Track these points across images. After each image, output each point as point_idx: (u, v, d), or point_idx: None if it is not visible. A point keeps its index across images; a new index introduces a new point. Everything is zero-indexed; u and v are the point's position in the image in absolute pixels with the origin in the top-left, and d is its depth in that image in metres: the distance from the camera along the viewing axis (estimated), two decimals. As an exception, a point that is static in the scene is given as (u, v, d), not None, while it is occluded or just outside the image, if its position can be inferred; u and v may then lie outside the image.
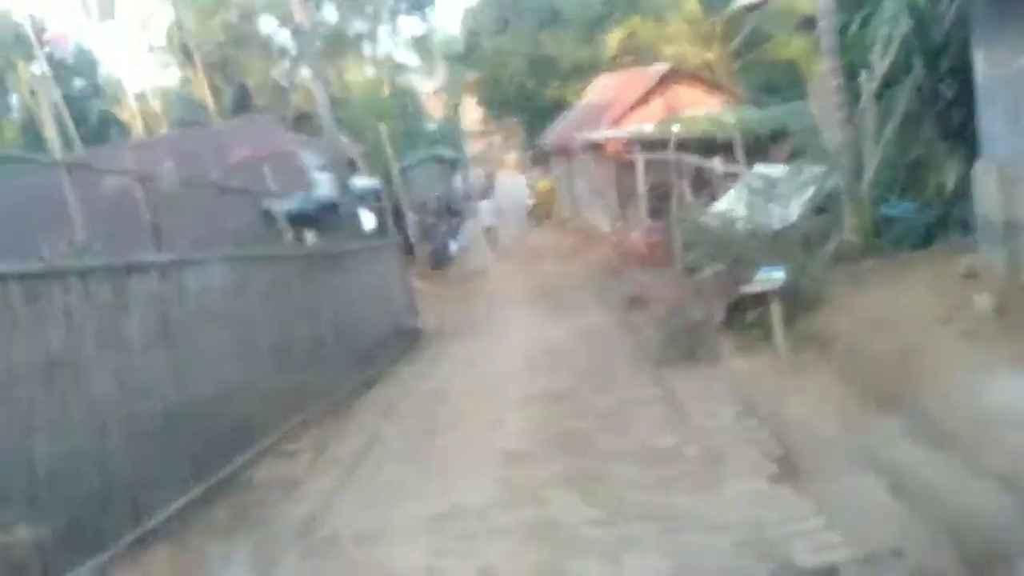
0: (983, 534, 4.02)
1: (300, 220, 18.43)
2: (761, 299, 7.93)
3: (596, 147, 22.68)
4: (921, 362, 6.16)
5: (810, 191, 10.28)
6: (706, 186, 19.65)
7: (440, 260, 24.43)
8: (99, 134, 28.10)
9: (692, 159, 16.54)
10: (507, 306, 16.33)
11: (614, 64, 28.13)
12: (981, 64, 7.01)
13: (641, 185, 18.82)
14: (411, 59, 41.77)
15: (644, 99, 22.28)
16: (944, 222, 10.33)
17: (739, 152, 11.18)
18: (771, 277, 7.88)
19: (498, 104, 30.96)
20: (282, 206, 15.80)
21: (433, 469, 6.27)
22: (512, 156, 61.41)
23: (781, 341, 7.47)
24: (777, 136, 19.24)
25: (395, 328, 13.00)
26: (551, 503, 5.10)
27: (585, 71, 28.80)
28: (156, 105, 28.13)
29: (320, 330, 9.28)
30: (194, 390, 6.37)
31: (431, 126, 51.91)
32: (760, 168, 11.40)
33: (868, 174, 9.95)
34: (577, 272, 19.02)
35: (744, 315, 8.09)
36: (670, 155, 15.44)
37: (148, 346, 5.80)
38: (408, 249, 21.62)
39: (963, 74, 9.42)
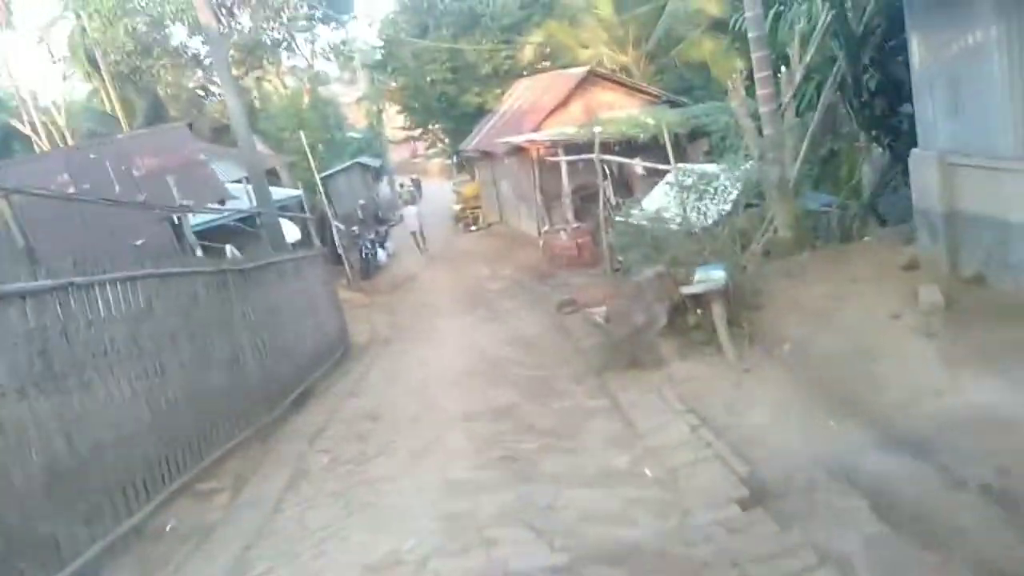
0: (983, 553, 3.52)
1: (216, 234, 17.28)
2: (702, 300, 7.43)
3: (519, 151, 22.07)
4: (877, 361, 5.71)
5: (738, 187, 9.88)
6: (627, 186, 19.40)
7: (369, 269, 23.40)
8: (2, 149, 25.86)
9: (615, 159, 16.08)
10: (440, 313, 15.52)
11: (532, 69, 27.64)
12: (917, 50, 6.66)
13: (566, 187, 18.32)
14: (331, 68, 40.42)
15: (564, 102, 21.80)
16: (866, 215, 10.13)
17: (669, 150, 10.60)
18: (711, 276, 7.38)
19: (420, 111, 30.00)
20: (191, 220, 14.62)
21: (365, 507, 5.44)
22: (436, 163, 60.42)
23: (727, 343, 6.96)
24: (695, 135, 19.13)
25: (323, 344, 12.03)
26: (501, 544, 4.36)
27: (504, 76, 28.20)
28: (61, 119, 26.03)
29: (238, 351, 8.30)
30: (88, 434, 5.38)
31: (354, 135, 50.50)
32: (686, 166, 10.89)
33: (793, 169, 9.60)
34: (507, 275, 18.36)
35: (685, 317, 7.56)
36: (594, 156, 14.87)
37: (22, 390, 4.80)
38: (336, 259, 20.56)
39: (885, 65, 9.20)
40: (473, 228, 27.40)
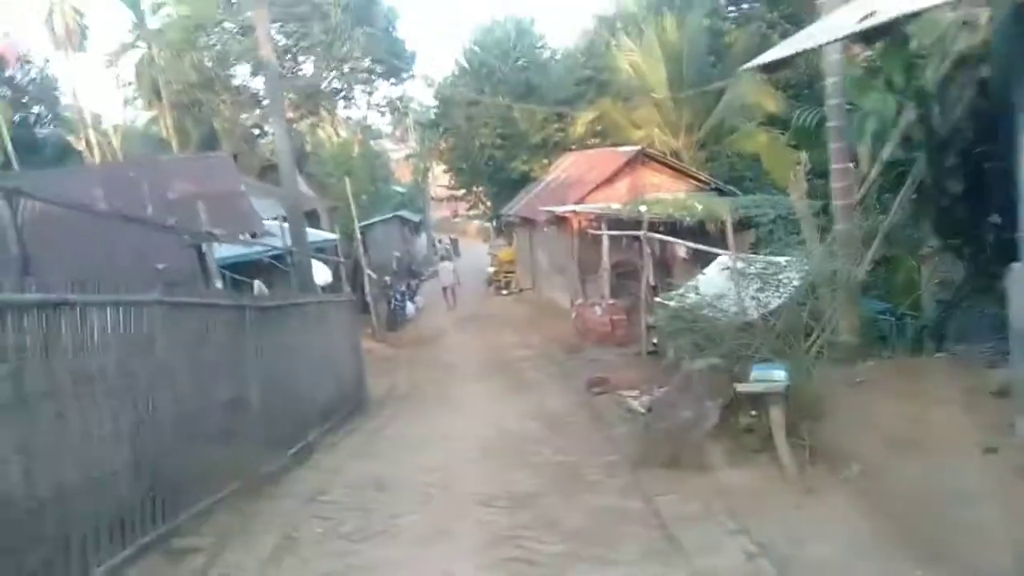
0: None
1: (247, 268, 16.81)
2: (758, 401, 6.56)
3: (561, 220, 21.58)
4: (973, 505, 4.78)
5: (795, 283, 9.06)
6: (666, 268, 18.68)
7: (396, 321, 22.82)
8: (55, 163, 26.10)
9: (665, 239, 15.42)
10: (463, 377, 14.74)
11: (581, 144, 27.45)
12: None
13: (605, 262, 17.65)
14: (383, 124, 40.87)
15: (611, 179, 21.38)
16: (938, 328, 9.24)
17: (729, 235, 9.87)
18: (771, 376, 6.53)
19: (467, 172, 29.92)
20: (220, 250, 14.17)
21: (355, 600, 4.59)
22: (475, 224, 60.56)
23: (785, 454, 6.07)
24: (742, 225, 18.47)
25: (337, 394, 11.28)
26: None
27: (553, 148, 28.05)
28: (116, 140, 26.31)
29: (243, 393, 7.57)
30: (53, 472, 4.64)
31: (399, 189, 50.87)
32: (749, 256, 10.14)
33: (861, 269, 8.81)
34: (536, 344, 17.58)
35: (737, 418, 6.69)
36: (642, 234, 14.23)
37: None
38: (363, 308, 20.01)
39: (971, 171, 8.48)
40: (505, 292, 26.80)
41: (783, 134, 23.46)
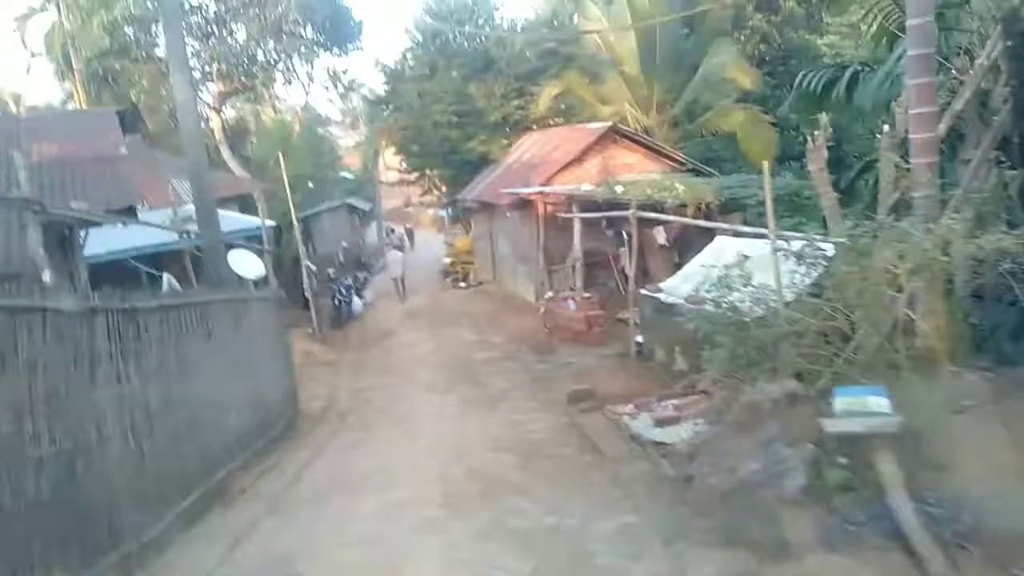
0: None
1: (165, 258, 14.16)
2: (853, 444, 4.43)
3: (525, 205, 19.34)
4: None
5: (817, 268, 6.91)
6: (641, 255, 16.63)
7: (341, 318, 20.25)
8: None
9: (669, 218, 13.31)
10: (415, 384, 12.37)
11: (544, 123, 25.21)
12: None
13: (577, 249, 15.46)
14: (332, 110, 37.82)
15: (579, 158, 19.13)
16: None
17: (770, 216, 7.63)
18: (868, 406, 4.40)
19: (419, 154, 27.25)
20: (125, 236, 11.53)
21: None
22: (430, 213, 57.74)
23: (915, 530, 3.92)
24: (727, 207, 16.51)
25: (258, 416, 8.82)
26: None
27: (514, 127, 25.70)
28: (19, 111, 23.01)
29: (90, 437, 5.13)
30: None
31: (347, 175, 47.88)
32: (787, 233, 8.00)
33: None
34: (499, 343, 15.28)
35: (821, 469, 4.52)
36: (631, 213, 12.09)
37: None
38: (303, 304, 17.45)
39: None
40: (463, 285, 24.43)
41: (764, 112, 21.72)
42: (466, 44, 26.46)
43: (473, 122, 25.63)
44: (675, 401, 7.54)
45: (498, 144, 25.33)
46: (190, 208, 15.82)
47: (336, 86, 26.49)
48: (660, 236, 16.38)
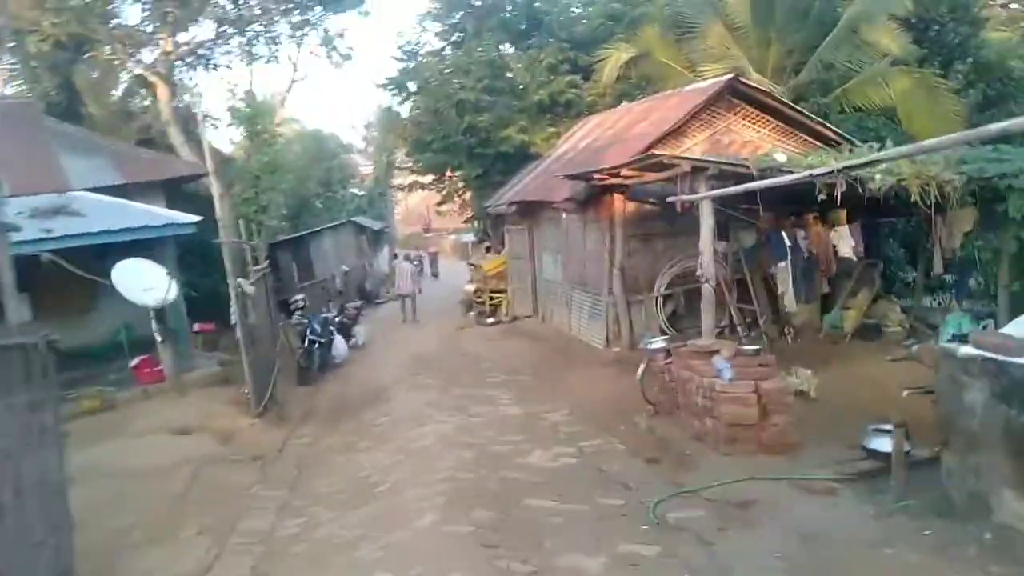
0: None
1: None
2: None
3: (591, 204, 12.64)
4: None
5: None
6: (812, 272, 9.72)
7: (313, 367, 13.52)
8: None
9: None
10: (408, 531, 5.54)
11: (606, 105, 18.52)
12: None
13: (707, 262, 8.55)
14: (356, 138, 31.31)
15: (675, 133, 12.35)
16: None
17: None
18: None
19: (438, 149, 20.58)
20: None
21: None
22: (451, 240, 51.12)
23: None
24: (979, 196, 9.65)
25: None
26: None
27: (565, 110, 19.09)
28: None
29: None
30: None
31: (357, 192, 41.63)
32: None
33: None
34: (571, 433, 8.35)
35: None
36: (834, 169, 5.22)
37: None
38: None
39: None
40: (491, 320, 17.61)
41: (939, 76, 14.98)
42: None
43: (510, 104, 19.02)
44: None
45: (542, 132, 18.70)
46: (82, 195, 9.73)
47: (330, 54, 19.91)
48: (845, 243, 9.52)
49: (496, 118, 18.89)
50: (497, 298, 18.11)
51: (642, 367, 8.61)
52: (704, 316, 8.63)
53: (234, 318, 9.77)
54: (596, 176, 10.51)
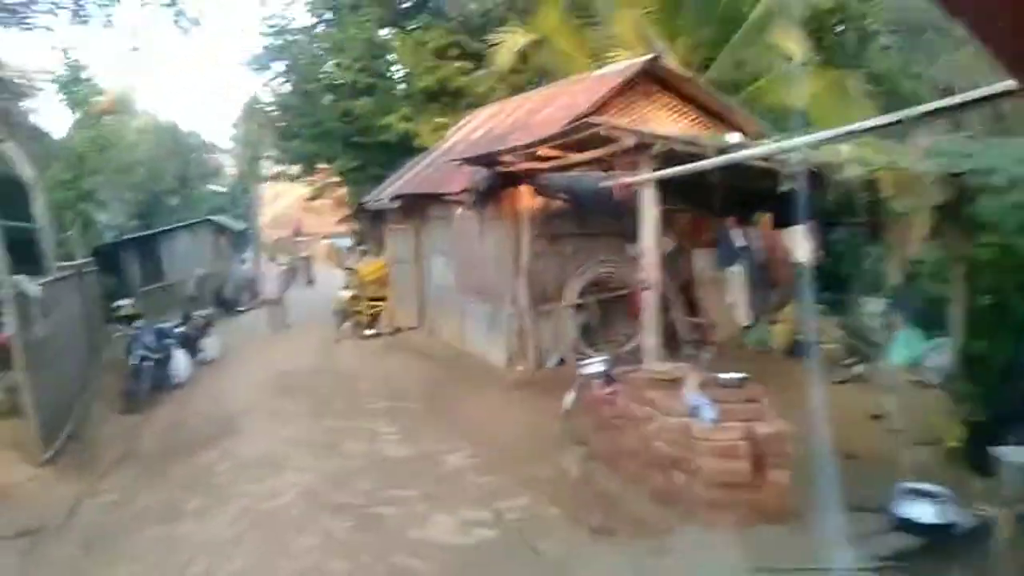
0: None
1: None
2: None
3: (494, 197, 10.65)
4: None
5: None
6: (763, 282, 8.23)
7: (141, 391, 10.62)
8: None
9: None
10: None
11: (500, 94, 16.68)
12: None
13: (650, 262, 6.80)
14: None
15: (590, 117, 10.64)
16: None
17: None
18: None
19: (309, 138, 17.88)
20: None
21: None
22: (324, 245, 47.45)
23: None
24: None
25: None
26: None
27: (453, 100, 17.05)
28: None
29: None
30: None
31: (217, 189, 37.59)
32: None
33: None
34: (474, 479, 6.32)
35: None
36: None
37: None
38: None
39: None
40: (369, 332, 15.21)
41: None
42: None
43: (392, 88, 16.75)
44: None
45: (429, 123, 16.54)
46: None
47: (176, 18, 16.60)
48: (801, 245, 8.06)
49: (375, 104, 16.56)
50: (377, 307, 15.72)
51: (570, 395, 6.70)
52: (645, 332, 6.86)
53: (9, 329, 6.95)
54: (504, 158, 8.54)
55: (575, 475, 6.05)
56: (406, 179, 15.15)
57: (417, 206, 13.96)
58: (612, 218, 10.14)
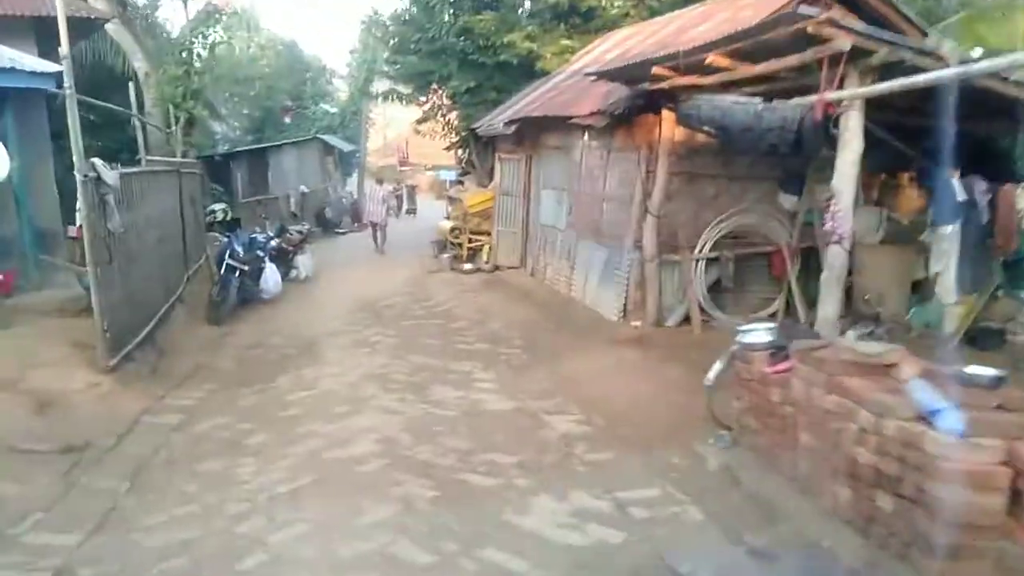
0: None
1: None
2: None
3: (634, 124, 9.09)
4: None
5: None
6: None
7: (228, 301, 9.92)
8: None
9: None
10: None
11: (630, 18, 14.86)
12: None
13: (847, 212, 5.20)
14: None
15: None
16: None
17: None
18: None
19: (425, 53, 16.61)
20: None
21: None
22: (428, 177, 46.91)
23: None
24: None
25: None
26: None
27: (583, 20, 15.35)
28: None
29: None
30: None
31: (331, 109, 37.20)
32: None
33: None
34: (586, 454, 5.09)
35: None
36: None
37: None
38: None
39: None
40: (468, 267, 14.13)
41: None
42: None
43: (518, 6, 15.22)
44: None
45: (554, 46, 14.94)
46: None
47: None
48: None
49: (498, 20, 15.07)
50: (478, 241, 14.59)
51: (717, 365, 5.27)
52: (825, 298, 5.30)
53: (80, 220, 6.15)
54: (658, 70, 6.94)
55: (719, 470, 4.68)
56: (524, 103, 13.74)
57: (533, 133, 12.56)
58: (766, 160, 8.52)
